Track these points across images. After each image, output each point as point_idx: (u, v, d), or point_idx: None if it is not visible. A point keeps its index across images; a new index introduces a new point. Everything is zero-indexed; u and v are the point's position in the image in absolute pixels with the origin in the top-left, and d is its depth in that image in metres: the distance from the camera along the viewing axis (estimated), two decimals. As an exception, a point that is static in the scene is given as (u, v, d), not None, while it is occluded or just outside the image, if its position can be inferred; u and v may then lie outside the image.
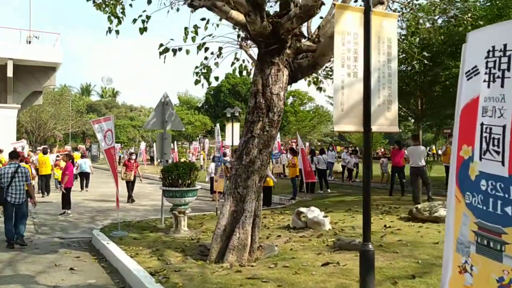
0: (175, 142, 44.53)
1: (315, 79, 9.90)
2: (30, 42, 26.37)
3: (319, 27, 7.65)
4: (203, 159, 30.30)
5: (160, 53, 8.11)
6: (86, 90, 78.20)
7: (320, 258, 6.38)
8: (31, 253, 7.72)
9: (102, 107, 72.53)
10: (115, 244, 7.57)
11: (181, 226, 8.88)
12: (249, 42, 8.39)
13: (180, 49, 8.28)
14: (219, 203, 11.37)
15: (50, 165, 16.11)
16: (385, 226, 8.42)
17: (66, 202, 11.86)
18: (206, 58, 8.77)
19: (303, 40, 7.52)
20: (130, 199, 14.76)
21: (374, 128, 4.48)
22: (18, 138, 29.78)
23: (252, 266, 6.16)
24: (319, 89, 10.26)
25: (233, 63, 9.58)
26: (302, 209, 8.64)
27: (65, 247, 8.23)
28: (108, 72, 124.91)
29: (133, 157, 15.70)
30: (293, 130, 44.54)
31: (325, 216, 8.50)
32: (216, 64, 8.94)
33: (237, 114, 25.87)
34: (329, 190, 16.39)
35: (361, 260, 4.23)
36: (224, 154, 16.78)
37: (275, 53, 6.93)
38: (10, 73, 25.34)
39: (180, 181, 8.72)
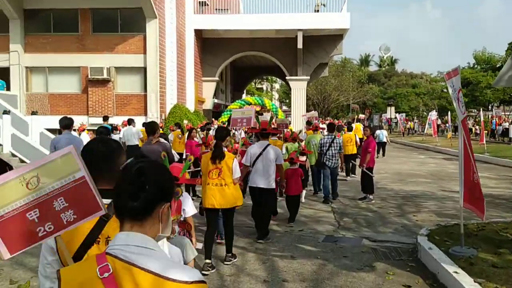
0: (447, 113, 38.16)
1: None
2: (317, 10, 25.85)
3: None
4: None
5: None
6: (365, 61, 77.72)
7: None
8: (338, 265, 5.57)
9: (381, 76, 70.54)
10: (469, 277, 4.57)
11: None
12: None
13: None
14: None
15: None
16: None
17: (368, 185, 9.62)
18: None
19: None
20: None
21: None
22: (307, 110, 30.52)
23: None
24: None
25: None
26: None
27: (382, 260, 5.77)
28: (385, 40, 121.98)
29: None
30: None
31: None
32: None
33: None
34: None
35: None
36: None
37: None
38: (300, 45, 25.44)
39: None
